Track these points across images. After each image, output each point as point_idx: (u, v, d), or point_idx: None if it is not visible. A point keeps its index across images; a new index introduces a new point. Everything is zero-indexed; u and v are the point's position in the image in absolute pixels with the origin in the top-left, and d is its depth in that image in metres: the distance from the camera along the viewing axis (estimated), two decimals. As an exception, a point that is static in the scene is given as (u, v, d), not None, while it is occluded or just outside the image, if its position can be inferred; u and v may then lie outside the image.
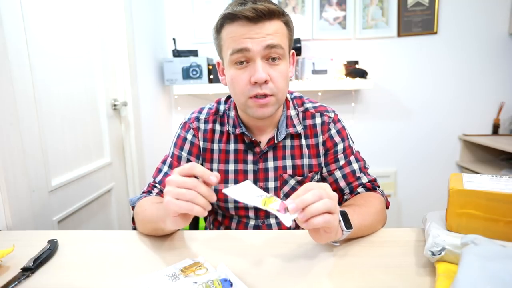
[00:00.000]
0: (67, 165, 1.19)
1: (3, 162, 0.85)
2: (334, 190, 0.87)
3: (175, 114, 2.15)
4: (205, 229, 1.09)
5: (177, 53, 1.90)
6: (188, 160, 0.87)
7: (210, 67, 1.89)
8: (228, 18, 0.71)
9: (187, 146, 0.87)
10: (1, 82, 0.86)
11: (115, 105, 1.48)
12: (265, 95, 0.74)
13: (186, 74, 1.88)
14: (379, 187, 0.86)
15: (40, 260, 0.63)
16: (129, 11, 1.55)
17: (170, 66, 1.88)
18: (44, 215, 1.06)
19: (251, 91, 0.74)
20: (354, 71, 1.88)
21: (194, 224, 1.17)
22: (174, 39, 1.94)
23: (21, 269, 0.61)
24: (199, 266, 0.60)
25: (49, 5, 1.10)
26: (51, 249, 0.67)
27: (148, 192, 0.85)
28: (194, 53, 1.91)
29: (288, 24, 0.76)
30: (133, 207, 0.83)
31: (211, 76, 1.89)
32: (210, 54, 2.01)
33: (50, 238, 0.71)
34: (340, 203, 0.88)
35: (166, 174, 0.85)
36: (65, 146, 1.18)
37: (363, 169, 0.86)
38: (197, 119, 0.89)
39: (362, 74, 1.88)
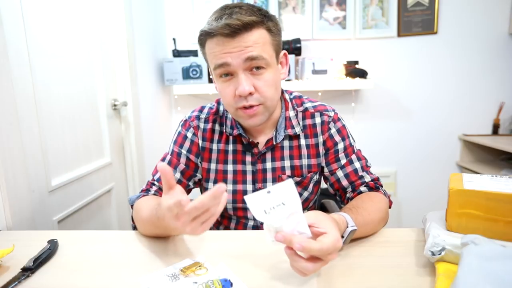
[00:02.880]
0: (67, 165, 1.19)
1: (3, 162, 0.85)
2: (337, 189, 0.87)
3: (175, 114, 2.15)
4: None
5: (177, 53, 1.90)
6: (187, 158, 0.87)
7: (210, 67, 1.89)
8: (207, 35, 0.71)
9: (187, 144, 0.87)
10: (1, 82, 0.86)
11: (115, 105, 1.48)
12: (252, 106, 0.74)
13: (186, 74, 1.87)
14: (381, 186, 0.85)
15: (40, 260, 0.63)
16: (129, 11, 1.55)
17: (170, 66, 1.88)
18: (44, 215, 1.06)
19: (238, 103, 0.74)
20: (354, 71, 1.88)
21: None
22: (174, 39, 1.94)
23: (21, 269, 0.61)
24: (199, 266, 0.60)
25: (49, 5, 1.10)
26: (51, 249, 0.67)
27: (146, 191, 0.85)
28: (194, 53, 1.91)
29: (270, 29, 0.73)
30: (132, 206, 0.83)
31: (211, 76, 1.88)
32: (210, 54, 2.01)
33: (50, 238, 0.71)
34: (342, 201, 0.88)
35: None
36: (65, 146, 1.18)
37: (365, 168, 0.86)
38: (198, 117, 0.89)
39: (362, 74, 1.88)
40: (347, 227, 0.61)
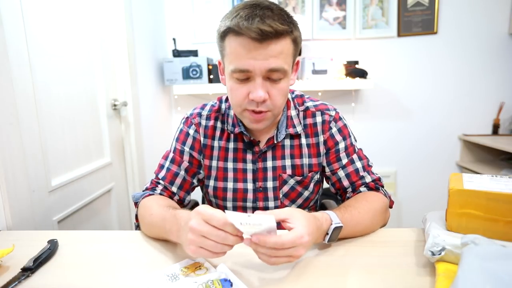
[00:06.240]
0: (67, 165, 1.19)
1: (3, 162, 0.85)
2: (338, 189, 0.87)
3: (175, 114, 2.15)
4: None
5: (177, 53, 1.90)
6: (190, 155, 0.87)
7: (210, 67, 1.89)
8: (232, 31, 0.68)
9: (189, 141, 0.87)
10: (1, 82, 0.86)
11: (115, 105, 1.48)
12: (261, 112, 0.74)
13: (186, 74, 1.87)
14: (382, 186, 0.85)
15: (40, 260, 0.63)
16: (129, 11, 1.55)
17: (170, 66, 1.88)
18: (44, 215, 1.05)
19: (248, 106, 0.74)
20: (354, 71, 1.88)
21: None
22: (174, 39, 1.94)
23: (21, 269, 0.61)
24: (199, 266, 0.60)
25: (49, 5, 1.10)
26: (51, 249, 0.67)
27: (152, 189, 0.84)
28: (194, 53, 1.91)
29: (296, 40, 0.72)
30: (135, 203, 0.83)
31: (211, 76, 1.89)
32: (210, 54, 2.01)
33: (50, 238, 0.71)
34: (343, 201, 0.88)
35: (169, 170, 0.86)
36: (65, 146, 1.18)
37: (367, 168, 0.86)
38: (199, 115, 0.89)
39: (362, 74, 1.88)
40: (331, 224, 0.62)
